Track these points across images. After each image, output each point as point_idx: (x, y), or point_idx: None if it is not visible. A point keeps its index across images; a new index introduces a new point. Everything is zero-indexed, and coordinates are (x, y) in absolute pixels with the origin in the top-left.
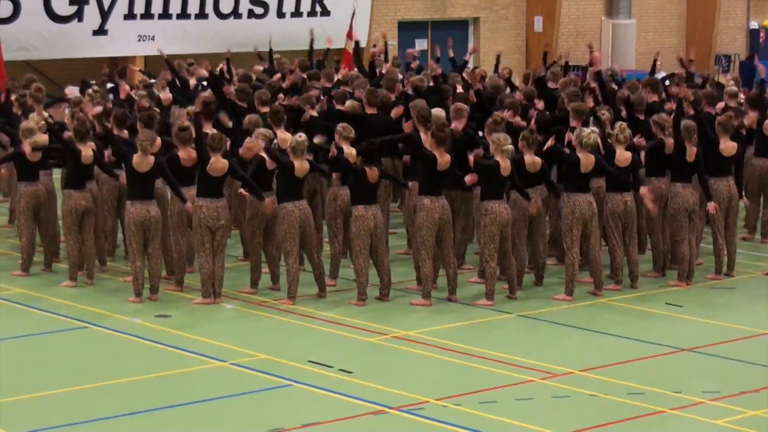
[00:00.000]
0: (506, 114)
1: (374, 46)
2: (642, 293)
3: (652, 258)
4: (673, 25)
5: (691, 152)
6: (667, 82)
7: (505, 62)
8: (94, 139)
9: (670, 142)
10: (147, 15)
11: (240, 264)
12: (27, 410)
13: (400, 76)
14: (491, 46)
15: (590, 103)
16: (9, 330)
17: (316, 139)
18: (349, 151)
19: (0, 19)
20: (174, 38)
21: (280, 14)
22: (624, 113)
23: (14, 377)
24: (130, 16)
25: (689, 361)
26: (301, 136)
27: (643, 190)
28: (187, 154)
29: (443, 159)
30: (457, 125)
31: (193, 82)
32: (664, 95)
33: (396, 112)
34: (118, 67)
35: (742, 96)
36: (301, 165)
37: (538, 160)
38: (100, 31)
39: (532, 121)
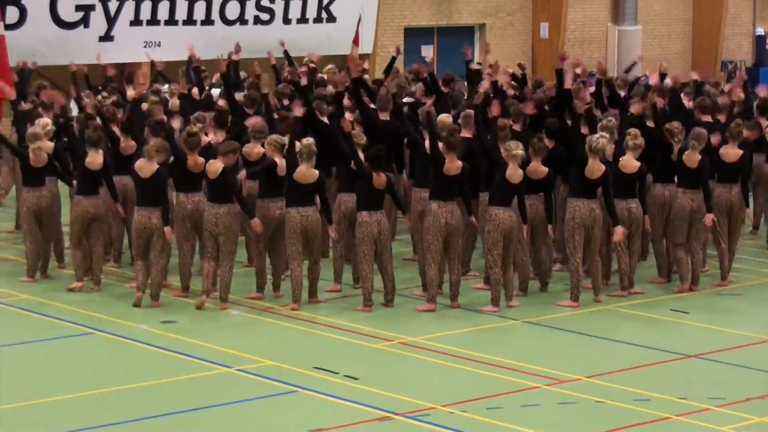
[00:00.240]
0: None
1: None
2: (647, 299)
3: (656, 264)
4: (679, 31)
5: (693, 159)
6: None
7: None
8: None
9: (676, 148)
10: (153, 21)
11: (245, 270)
12: (32, 416)
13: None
14: (497, 52)
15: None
16: (15, 336)
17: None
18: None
19: (6, 25)
20: (180, 44)
21: (286, 20)
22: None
23: (20, 383)
24: (136, 22)
25: (695, 367)
26: (309, 140)
27: (618, 229)
28: (193, 160)
29: (454, 164)
30: (466, 132)
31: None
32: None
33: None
34: (125, 72)
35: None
36: (306, 170)
37: (543, 168)
38: (106, 37)
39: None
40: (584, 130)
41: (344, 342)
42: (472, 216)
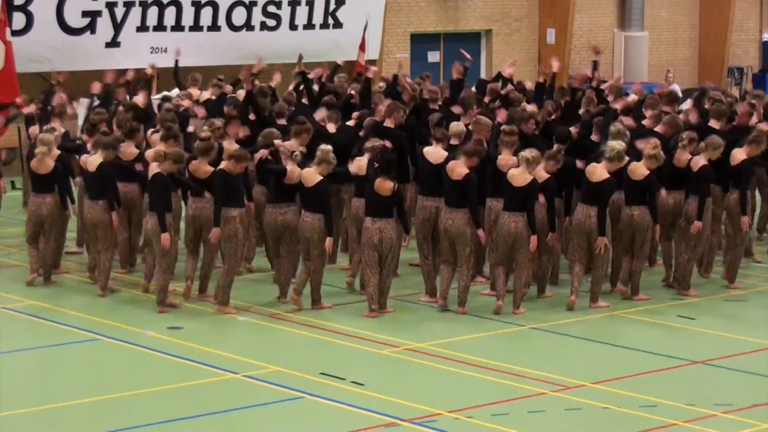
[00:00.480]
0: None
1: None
2: (654, 305)
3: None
4: (686, 37)
5: (695, 163)
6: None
7: (517, 75)
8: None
9: (685, 156)
10: (160, 27)
11: (251, 275)
12: (39, 422)
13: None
14: (503, 58)
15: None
16: (22, 342)
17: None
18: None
19: (13, 31)
20: (187, 50)
21: (293, 27)
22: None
23: (26, 389)
24: (142, 28)
25: (702, 373)
26: (327, 147)
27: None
28: (198, 165)
29: (456, 170)
30: (479, 138)
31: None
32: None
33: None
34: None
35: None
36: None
37: (544, 174)
38: (113, 43)
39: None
40: (594, 137)
41: (351, 348)
42: (481, 228)
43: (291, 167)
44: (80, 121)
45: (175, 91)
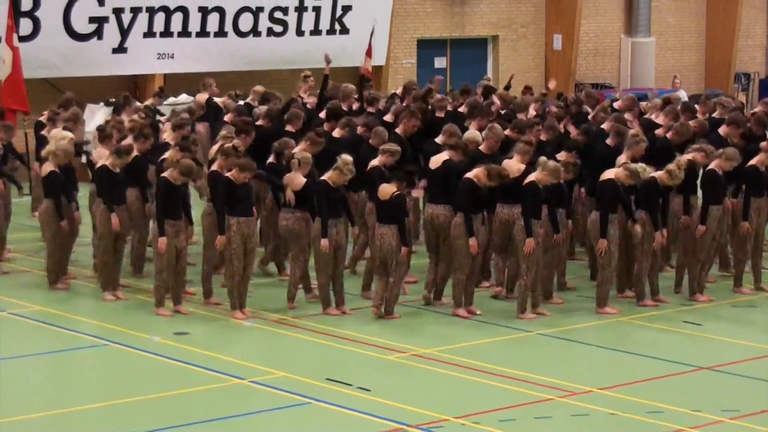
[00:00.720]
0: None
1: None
2: (661, 311)
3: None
4: (693, 43)
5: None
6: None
7: (523, 81)
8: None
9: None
10: (166, 33)
11: (257, 282)
12: (45, 427)
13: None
14: (510, 64)
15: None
16: (29, 347)
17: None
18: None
19: (20, 37)
20: (193, 56)
21: (300, 32)
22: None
23: (34, 394)
24: (149, 34)
25: (709, 379)
26: (348, 157)
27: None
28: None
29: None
30: (487, 145)
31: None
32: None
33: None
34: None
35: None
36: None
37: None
38: (120, 49)
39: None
40: (610, 141)
41: (357, 354)
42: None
43: (295, 173)
44: (87, 127)
45: (183, 97)
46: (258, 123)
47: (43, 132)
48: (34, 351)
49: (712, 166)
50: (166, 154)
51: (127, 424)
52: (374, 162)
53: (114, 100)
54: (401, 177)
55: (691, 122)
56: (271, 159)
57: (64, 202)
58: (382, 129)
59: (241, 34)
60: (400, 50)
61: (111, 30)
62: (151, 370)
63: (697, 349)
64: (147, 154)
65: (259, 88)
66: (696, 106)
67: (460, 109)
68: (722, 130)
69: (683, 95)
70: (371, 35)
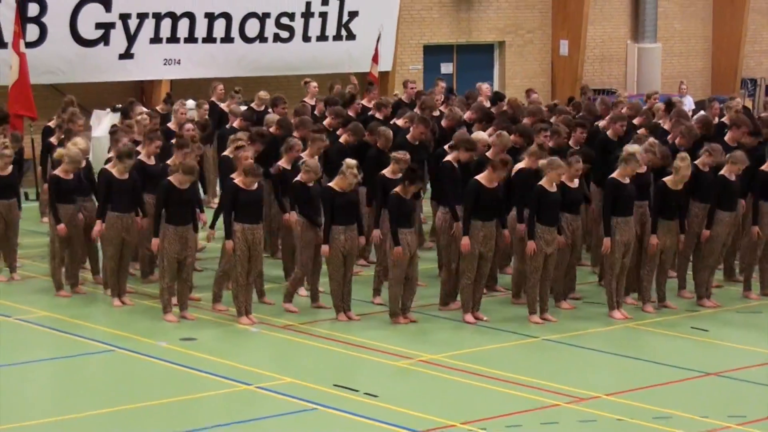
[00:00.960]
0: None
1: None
2: (667, 317)
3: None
4: (699, 49)
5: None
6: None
7: (530, 86)
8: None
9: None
10: (173, 39)
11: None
12: None
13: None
14: (517, 69)
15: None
16: (36, 353)
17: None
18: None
19: (27, 43)
20: (200, 62)
21: (306, 38)
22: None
23: (40, 400)
24: (156, 40)
25: (715, 385)
26: (352, 161)
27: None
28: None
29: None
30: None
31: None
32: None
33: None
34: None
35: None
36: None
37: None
38: (126, 54)
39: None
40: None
41: (364, 360)
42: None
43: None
44: (94, 133)
45: (190, 102)
46: (270, 130)
47: (52, 138)
48: (41, 357)
49: (722, 172)
50: (170, 160)
51: (134, 429)
52: (385, 171)
53: (120, 106)
54: (406, 177)
55: (694, 123)
56: (281, 163)
57: (71, 208)
58: (385, 128)
59: (247, 40)
60: (407, 56)
61: (118, 36)
62: (158, 375)
63: (704, 355)
64: (159, 161)
65: (263, 93)
66: (702, 111)
67: (465, 117)
68: (728, 136)
69: (689, 102)
70: (378, 41)
